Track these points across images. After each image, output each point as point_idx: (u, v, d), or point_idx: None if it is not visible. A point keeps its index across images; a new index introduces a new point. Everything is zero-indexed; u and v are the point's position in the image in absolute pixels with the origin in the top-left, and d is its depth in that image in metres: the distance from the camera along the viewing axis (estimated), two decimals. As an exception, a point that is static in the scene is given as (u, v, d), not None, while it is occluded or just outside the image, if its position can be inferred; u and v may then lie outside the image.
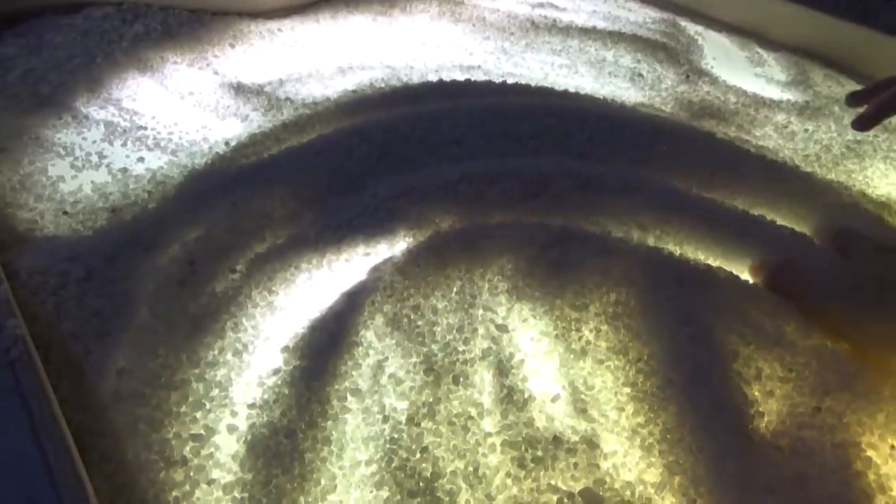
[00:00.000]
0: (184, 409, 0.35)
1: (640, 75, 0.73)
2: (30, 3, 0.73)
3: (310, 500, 0.32)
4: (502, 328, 0.39)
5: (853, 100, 0.56)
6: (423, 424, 0.34)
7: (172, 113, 0.62)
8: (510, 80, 0.68)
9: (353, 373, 0.37)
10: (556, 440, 0.34)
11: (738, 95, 0.70)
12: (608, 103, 0.62)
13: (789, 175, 0.55)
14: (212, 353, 0.39)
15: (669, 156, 0.55)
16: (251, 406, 0.36)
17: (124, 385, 0.36)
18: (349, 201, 0.48)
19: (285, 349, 0.38)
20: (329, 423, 0.35)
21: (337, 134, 0.56)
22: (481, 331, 0.39)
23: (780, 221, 0.49)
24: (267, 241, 0.46)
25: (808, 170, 0.57)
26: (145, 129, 0.59)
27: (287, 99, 0.64)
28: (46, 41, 0.69)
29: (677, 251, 0.44)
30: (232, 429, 0.35)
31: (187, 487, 0.32)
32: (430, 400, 0.36)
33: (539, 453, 0.33)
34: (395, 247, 0.44)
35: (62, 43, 0.69)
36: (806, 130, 0.64)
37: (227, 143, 0.57)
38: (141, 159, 0.55)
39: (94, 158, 0.55)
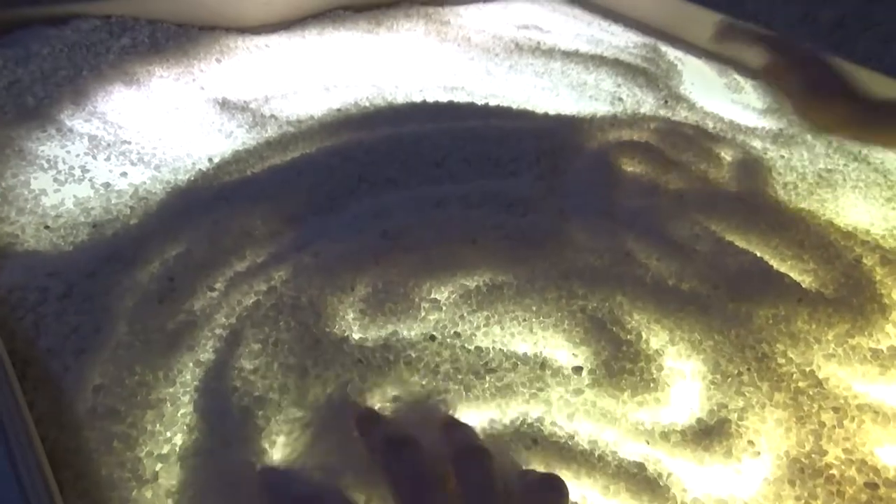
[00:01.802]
0: (158, 427, 0.36)
1: (620, 99, 0.74)
2: (18, 14, 0.74)
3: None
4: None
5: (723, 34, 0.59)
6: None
7: (157, 127, 0.62)
8: (493, 101, 0.69)
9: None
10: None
11: (715, 121, 0.72)
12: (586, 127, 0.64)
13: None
14: (188, 371, 0.39)
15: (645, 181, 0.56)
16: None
17: (100, 402, 0.36)
18: (329, 219, 0.49)
19: (256, 371, 0.39)
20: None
21: (319, 153, 0.57)
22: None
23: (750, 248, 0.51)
24: (247, 258, 0.46)
25: (786, 198, 0.59)
26: (129, 143, 0.59)
27: (272, 116, 0.65)
28: (33, 52, 0.69)
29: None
30: (206, 447, 0.35)
31: (158, 506, 0.32)
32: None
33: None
34: (372, 265, 0.45)
35: (49, 55, 0.70)
36: (782, 157, 0.66)
37: (210, 160, 0.58)
38: (124, 174, 0.56)
39: (78, 172, 0.55)
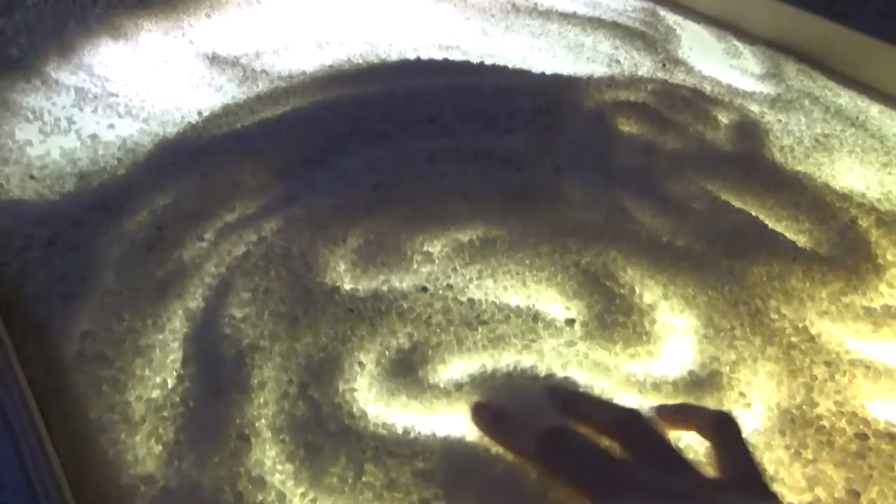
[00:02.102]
0: (147, 372, 0.36)
1: (618, 62, 0.73)
2: (1, -37, 0.72)
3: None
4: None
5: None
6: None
7: (145, 81, 0.61)
8: (488, 61, 0.68)
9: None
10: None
11: (712, 85, 0.71)
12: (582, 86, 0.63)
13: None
14: (177, 319, 0.39)
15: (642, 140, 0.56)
16: (215, 371, 0.36)
17: (88, 347, 0.36)
18: (320, 173, 0.48)
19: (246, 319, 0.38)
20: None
21: (311, 108, 0.56)
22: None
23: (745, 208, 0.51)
24: (236, 210, 0.46)
25: (782, 160, 0.58)
26: (117, 96, 0.58)
27: (263, 71, 0.64)
28: (17, 3, 0.68)
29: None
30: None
31: (145, 450, 0.32)
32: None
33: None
34: (363, 218, 0.44)
35: (33, 6, 0.68)
36: (779, 121, 0.65)
37: (199, 114, 0.56)
38: (111, 126, 0.55)
39: (64, 124, 0.54)
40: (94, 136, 0.53)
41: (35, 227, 0.41)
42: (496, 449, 0.33)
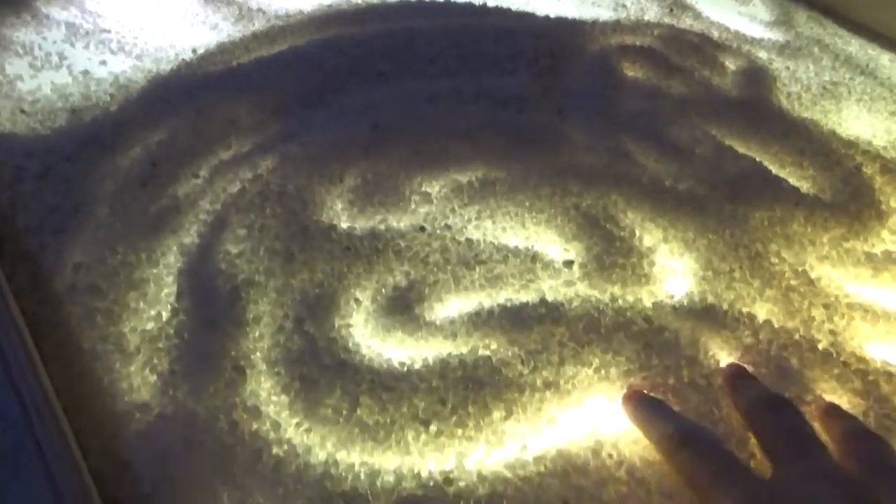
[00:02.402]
0: (142, 305, 0.35)
1: (624, 6, 0.71)
2: None
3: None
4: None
5: None
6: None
7: (138, 18, 0.59)
8: (491, 3, 0.66)
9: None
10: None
11: (720, 31, 0.69)
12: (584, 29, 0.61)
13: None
14: (171, 254, 0.38)
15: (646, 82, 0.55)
16: (210, 305, 0.36)
17: (81, 279, 0.35)
18: (317, 113, 0.47)
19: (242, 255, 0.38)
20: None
21: (308, 46, 0.55)
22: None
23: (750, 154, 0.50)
24: (232, 147, 0.45)
25: (788, 107, 0.57)
26: (109, 32, 0.57)
27: (259, 10, 0.62)
28: (5, -64, 0.65)
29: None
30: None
31: (140, 379, 0.32)
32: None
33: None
34: (361, 157, 0.44)
35: (22, -61, 0.66)
36: (787, 68, 0.64)
37: (194, 51, 0.55)
38: (104, 62, 0.53)
39: (55, 59, 0.53)
40: (85, 72, 0.52)
41: (26, 160, 0.41)
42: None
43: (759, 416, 0.31)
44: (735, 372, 0.34)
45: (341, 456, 0.30)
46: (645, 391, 0.33)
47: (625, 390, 0.33)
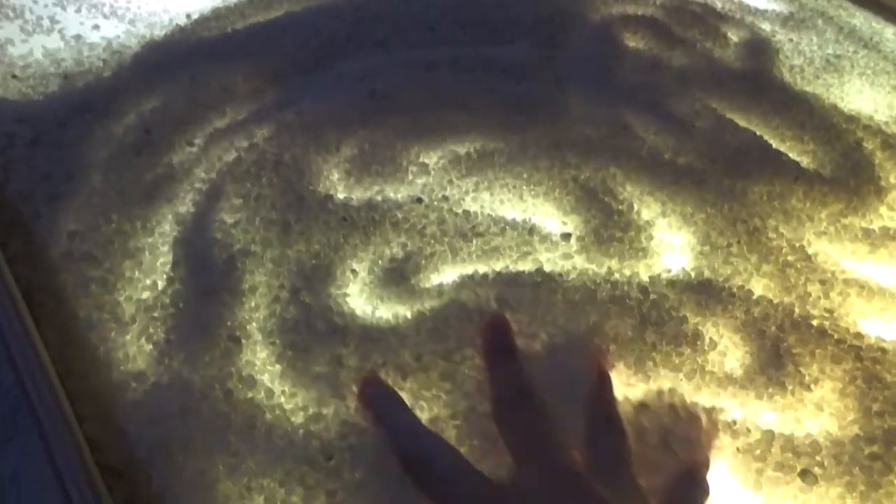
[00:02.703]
0: (137, 274, 0.35)
1: (626, -25, 0.70)
2: None
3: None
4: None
5: None
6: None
7: (131, -19, 0.58)
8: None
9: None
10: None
11: (724, 1, 0.68)
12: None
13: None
14: (167, 223, 0.38)
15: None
16: (206, 275, 0.36)
17: (76, 247, 0.35)
18: (314, 80, 0.47)
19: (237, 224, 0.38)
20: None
21: (305, 12, 0.54)
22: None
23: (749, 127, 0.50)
24: (227, 115, 0.44)
25: (790, 81, 0.57)
26: (101, -5, 0.56)
27: (255, -26, 0.61)
28: None
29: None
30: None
31: (136, 348, 0.32)
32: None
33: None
34: (358, 126, 0.43)
35: None
36: (790, 40, 0.63)
37: (188, 16, 0.54)
38: (96, 27, 0.52)
39: (46, 23, 0.52)
40: (78, 37, 0.51)
41: (17, 125, 0.40)
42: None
43: (504, 415, 0.30)
44: (494, 344, 0.32)
45: (326, 411, 0.30)
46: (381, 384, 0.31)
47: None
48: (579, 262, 0.39)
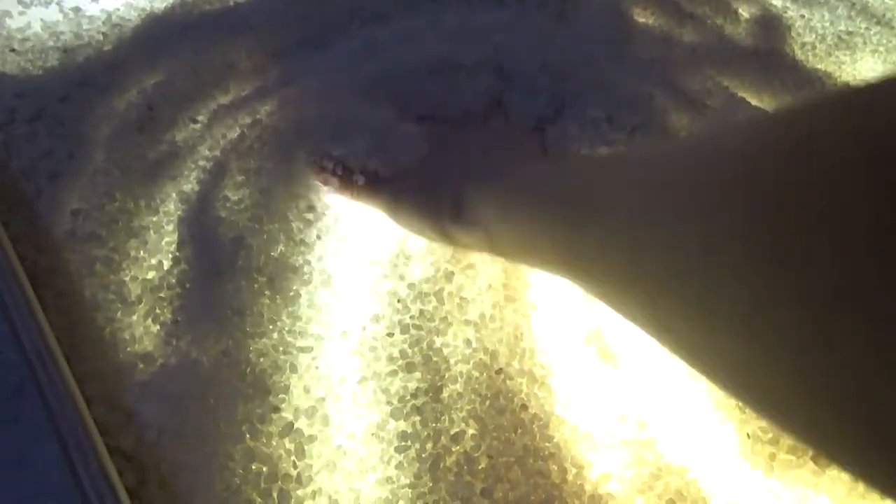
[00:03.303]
0: (142, 253, 0.35)
1: (636, -52, 0.69)
2: None
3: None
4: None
5: None
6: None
7: (130, -48, 0.57)
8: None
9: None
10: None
11: (734, -23, 0.67)
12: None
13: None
14: (171, 201, 0.37)
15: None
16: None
17: (80, 226, 0.35)
18: (318, 55, 0.46)
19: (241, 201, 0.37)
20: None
21: (309, -16, 0.52)
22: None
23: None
24: (230, 92, 0.43)
25: (803, 58, 0.56)
26: (100, -33, 0.54)
27: (256, -55, 0.59)
28: None
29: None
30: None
31: (142, 329, 0.32)
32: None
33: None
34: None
35: None
36: (802, 17, 0.62)
37: (189, -11, 0.53)
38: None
39: (44, -5, 0.50)
40: (76, 9, 0.50)
41: (18, 101, 0.39)
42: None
43: None
44: None
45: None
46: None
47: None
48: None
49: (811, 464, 0.30)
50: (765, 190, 0.16)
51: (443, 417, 0.30)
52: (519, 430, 0.30)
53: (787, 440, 0.30)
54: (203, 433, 0.28)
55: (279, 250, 0.35)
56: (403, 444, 0.30)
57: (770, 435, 0.30)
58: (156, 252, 0.35)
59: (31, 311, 0.28)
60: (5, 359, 0.26)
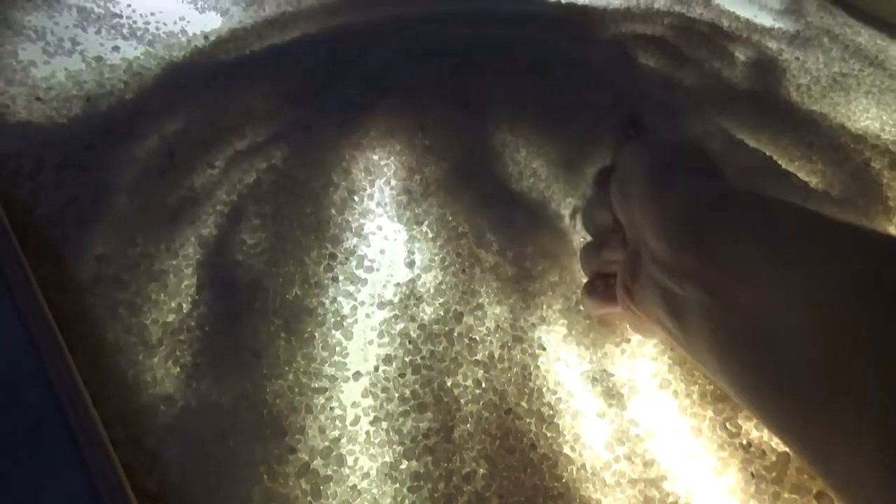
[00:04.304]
0: (162, 297, 0.36)
1: (635, -7, 0.71)
2: None
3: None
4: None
5: None
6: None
7: (149, 2, 0.59)
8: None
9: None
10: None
11: (731, 20, 0.69)
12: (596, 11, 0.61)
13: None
14: (190, 245, 0.39)
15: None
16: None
17: (104, 271, 0.36)
18: (329, 100, 0.47)
19: (258, 245, 0.39)
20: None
21: (320, 33, 0.55)
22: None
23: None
24: (247, 137, 0.45)
25: (798, 100, 0.58)
26: (121, 17, 0.57)
27: (270, -6, 0.62)
28: (12, -84, 0.65)
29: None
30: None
31: (163, 371, 0.33)
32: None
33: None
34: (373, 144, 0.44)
35: (29, -81, 0.65)
36: (797, 59, 0.64)
37: (206, 37, 0.55)
38: (116, 48, 0.53)
39: (67, 45, 0.53)
40: (99, 59, 0.52)
41: (45, 150, 0.41)
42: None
43: None
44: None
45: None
46: None
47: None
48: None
49: (815, 502, 0.30)
50: None
51: (454, 457, 0.31)
52: (528, 470, 0.31)
53: (790, 479, 0.31)
54: (223, 474, 0.29)
55: (294, 293, 0.37)
56: (416, 483, 0.30)
57: (774, 474, 0.31)
58: (175, 295, 0.36)
59: (62, 357, 0.29)
60: (39, 408, 0.27)
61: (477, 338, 0.36)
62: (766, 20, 0.72)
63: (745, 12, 0.72)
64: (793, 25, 0.71)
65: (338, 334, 0.35)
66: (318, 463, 0.31)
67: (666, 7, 0.69)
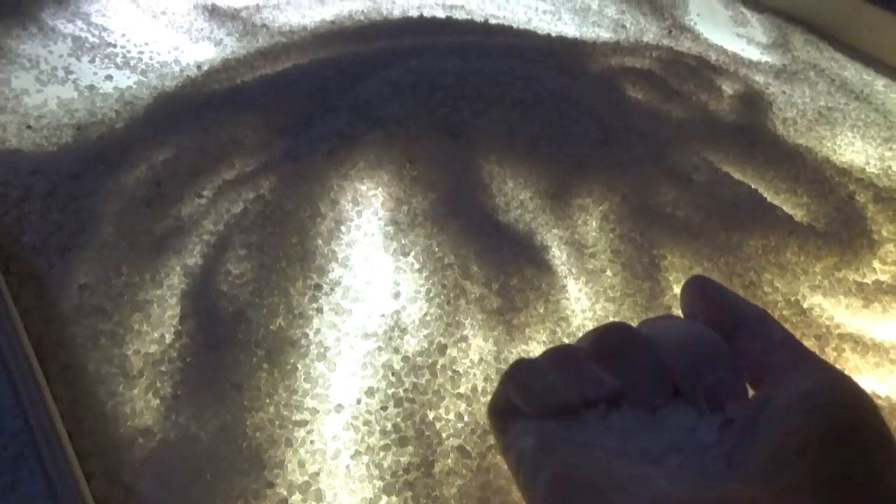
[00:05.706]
0: (145, 327, 0.36)
1: (624, 26, 0.72)
2: None
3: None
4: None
5: None
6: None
7: (143, 32, 0.60)
8: (493, 21, 0.67)
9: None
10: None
11: (718, 53, 0.70)
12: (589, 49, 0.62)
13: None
14: (175, 275, 0.39)
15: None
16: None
17: (87, 300, 0.36)
18: (320, 131, 0.48)
19: (243, 276, 0.39)
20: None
21: (312, 64, 0.55)
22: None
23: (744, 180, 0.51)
24: (236, 167, 0.45)
25: (784, 133, 0.58)
26: (114, 46, 0.57)
27: (263, 25, 0.63)
28: (12, -54, 0.66)
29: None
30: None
31: (143, 403, 0.32)
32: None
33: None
34: (362, 177, 0.44)
35: (28, -50, 0.66)
36: (784, 93, 0.65)
37: (199, 67, 0.56)
38: (109, 77, 0.54)
39: (60, 73, 0.53)
40: (91, 87, 0.52)
41: (33, 178, 0.41)
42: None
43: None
44: None
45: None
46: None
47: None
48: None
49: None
50: None
51: (434, 493, 0.31)
52: (509, 506, 0.31)
53: None
54: (199, 509, 0.29)
55: (278, 324, 0.37)
56: (396, 519, 0.30)
57: None
58: (158, 325, 0.36)
59: (38, 388, 0.29)
60: (11, 438, 0.27)
61: (460, 370, 0.36)
62: (753, 54, 0.73)
63: (733, 46, 0.73)
64: (780, 59, 0.72)
65: (321, 366, 0.35)
66: (296, 498, 0.30)
67: (654, 41, 0.71)
